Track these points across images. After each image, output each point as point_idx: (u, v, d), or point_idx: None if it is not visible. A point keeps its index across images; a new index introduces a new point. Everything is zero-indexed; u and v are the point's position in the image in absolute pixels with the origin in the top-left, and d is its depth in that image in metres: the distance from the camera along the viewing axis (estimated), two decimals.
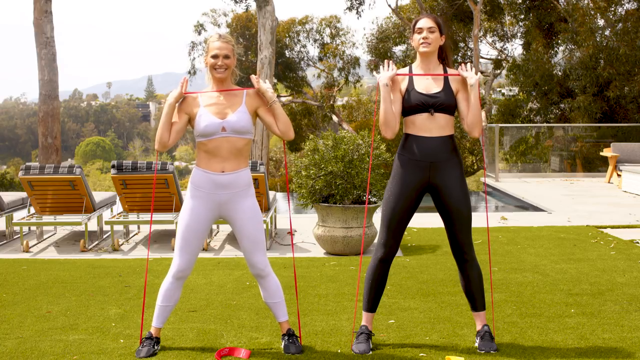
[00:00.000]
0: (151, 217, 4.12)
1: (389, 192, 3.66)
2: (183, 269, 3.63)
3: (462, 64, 3.66)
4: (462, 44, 24.81)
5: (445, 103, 3.57)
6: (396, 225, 3.64)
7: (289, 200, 4.27)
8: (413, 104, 3.57)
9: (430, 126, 3.58)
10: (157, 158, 4.25)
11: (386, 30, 25.55)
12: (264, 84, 3.62)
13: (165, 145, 3.57)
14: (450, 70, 3.69)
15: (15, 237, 7.54)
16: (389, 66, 3.63)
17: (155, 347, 3.67)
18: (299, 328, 3.88)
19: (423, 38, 3.59)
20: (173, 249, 6.63)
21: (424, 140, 3.59)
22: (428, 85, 3.62)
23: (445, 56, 3.70)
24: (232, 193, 3.59)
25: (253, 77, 3.67)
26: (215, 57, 3.56)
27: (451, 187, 3.61)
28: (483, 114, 23.38)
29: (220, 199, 3.59)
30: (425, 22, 3.62)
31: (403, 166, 3.64)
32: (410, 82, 3.63)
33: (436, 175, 3.61)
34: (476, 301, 3.74)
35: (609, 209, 9.46)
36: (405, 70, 3.71)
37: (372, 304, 3.77)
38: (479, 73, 3.94)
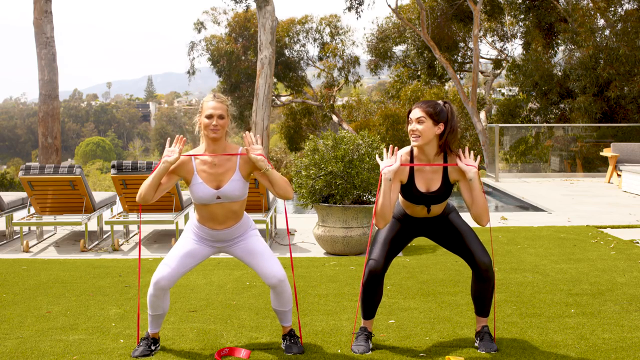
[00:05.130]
0: (140, 216, 4.11)
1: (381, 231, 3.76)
2: (164, 278, 3.53)
3: (462, 154, 3.53)
4: (462, 44, 24.84)
5: (443, 199, 3.60)
6: (389, 248, 3.70)
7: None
8: (412, 199, 3.59)
9: (427, 214, 3.67)
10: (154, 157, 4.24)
11: (386, 30, 25.58)
12: (255, 152, 3.48)
13: (147, 202, 3.52)
14: (450, 159, 3.56)
15: (15, 237, 7.54)
16: (393, 157, 3.50)
17: (152, 347, 3.68)
18: (299, 328, 3.88)
19: (411, 130, 3.47)
20: None
21: (421, 219, 3.71)
22: (428, 181, 3.56)
23: (447, 145, 3.52)
24: (232, 240, 3.65)
25: (246, 135, 3.55)
26: (209, 117, 3.47)
27: (450, 218, 3.72)
28: (482, 114, 23.40)
29: (220, 244, 3.66)
30: (414, 113, 3.47)
31: (399, 221, 3.72)
32: (411, 174, 3.56)
33: (432, 228, 3.73)
34: (483, 309, 3.74)
35: (609, 209, 9.46)
36: (407, 157, 3.59)
37: (368, 313, 3.78)
38: (477, 159, 3.89)
